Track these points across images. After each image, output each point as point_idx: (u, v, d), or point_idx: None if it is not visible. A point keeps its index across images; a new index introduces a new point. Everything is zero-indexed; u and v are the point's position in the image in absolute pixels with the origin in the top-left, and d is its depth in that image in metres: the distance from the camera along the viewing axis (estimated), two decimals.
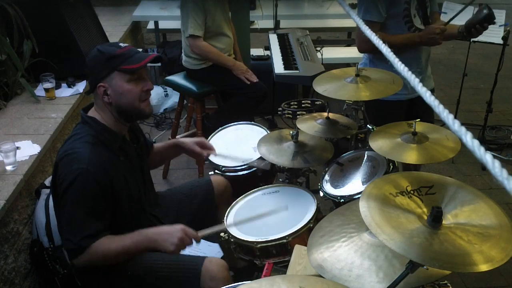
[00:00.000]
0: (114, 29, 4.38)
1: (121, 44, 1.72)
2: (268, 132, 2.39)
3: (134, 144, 1.87)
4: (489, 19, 2.19)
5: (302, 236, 1.76)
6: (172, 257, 1.82)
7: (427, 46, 2.38)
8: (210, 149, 2.11)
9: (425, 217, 1.19)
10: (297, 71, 3.09)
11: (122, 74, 1.67)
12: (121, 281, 1.75)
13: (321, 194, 2.00)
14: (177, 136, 3.39)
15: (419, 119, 1.84)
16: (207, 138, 2.51)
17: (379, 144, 1.80)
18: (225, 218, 1.93)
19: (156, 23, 4.84)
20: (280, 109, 2.59)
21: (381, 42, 0.97)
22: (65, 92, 2.89)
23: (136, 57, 1.69)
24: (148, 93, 1.75)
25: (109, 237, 1.66)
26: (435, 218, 1.15)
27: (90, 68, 1.71)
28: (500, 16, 3.58)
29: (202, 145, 2.10)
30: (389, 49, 0.95)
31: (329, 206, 2.04)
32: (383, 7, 2.26)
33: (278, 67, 3.16)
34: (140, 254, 1.73)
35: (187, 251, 1.89)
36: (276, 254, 1.77)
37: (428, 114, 2.37)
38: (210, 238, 2.02)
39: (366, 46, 2.36)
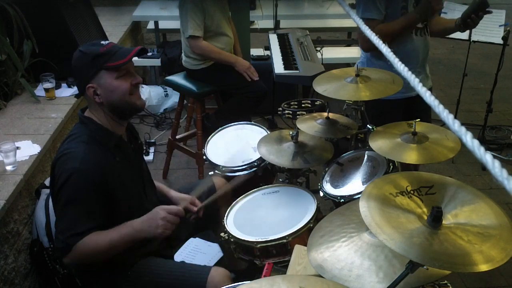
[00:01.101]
0: (114, 29, 4.38)
1: (103, 42, 1.70)
2: (268, 132, 2.39)
3: (132, 144, 1.87)
4: (482, 7, 2.18)
5: (302, 236, 1.76)
6: (177, 264, 1.81)
7: (428, 16, 2.34)
8: (198, 205, 1.99)
9: (425, 217, 1.19)
10: (297, 71, 3.09)
11: (109, 72, 1.66)
12: (121, 282, 1.75)
13: (321, 194, 1.99)
14: (177, 136, 3.39)
15: (419, 119, 1.85)
16: (207, 138, 2.51)
17: (379, 144, 1.80)
18: (225, 218, 1.93)
19: (156, 23, 4.84)
20: (280, 109, 2.59)
21: (380, 42, 0.97)
22: (65, 92, 2.90)
23: (120, 53, 1.68)
24: (137, 86, 1.74)
25: (95, 233, 1.64)
26: (435, 218, 1.15)
27: (76, 70, 1.70)
28: (500, 16, 3.58)
29: (192, 202, 2.00)
30: (388, 49, 0.95)
31: (329, 206, 2.04)
32: (381, 4, 2.26)
33: (278, 67, 3.16)
34: (131, 246, 1.69)
35: (187, 252, 1.90)
36: (276, 254, 1.77)
37: (426, 113, 2.37)
38: (209, 237, 2.02)
39: (369, 45, 2.36)
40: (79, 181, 1.60)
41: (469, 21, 2.21)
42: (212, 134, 2.53)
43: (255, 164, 2.24)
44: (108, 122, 1.73)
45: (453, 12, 3.63)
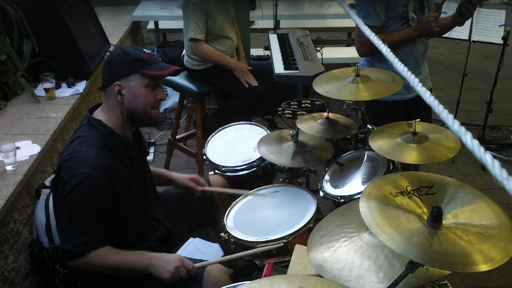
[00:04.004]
0: (114, 29, 4.38)
1: (145, 50, 1.74)
2: (268, 132, 2.39)
3: (137, 148, 1.87)
4: None
5: (302, 236, 1.76)
6: None
7: (425, 36, 2.36)
8: (203, 185, 2.09)
9: (425, 217, 1.19)
10: (297, 71, 3.09)
11: (142, 78, 1.68)
12: (121, 282, 1.75)
13: (321, 194, 1.99)
14: (177, 136, 3.39)
15: (419, 119, 1.84)
16: (206, 138, 2.51)
17: (379, 144, 1.80)
18: (225, 218, 1.93)
19: (156, 23, 4.84)
20: (280, 109, 2.59)
21: (380, 42, 0.97)
22: (65, 92, 2.89)
23: (160, 65, 1.73)
24: (159, 102, 1.77)
25: (109, 249, 1.66)
26: (435, 218, 1.16)
27: (111, 65, 1.71)
28: (500, 16, 3.58)
29: (196, 181, 2.08)
30: (388, 49, 0.95)
31: (329, 206, 2.04)
32: (382, 11, 2.26)
33: (278, 67, 3.16)
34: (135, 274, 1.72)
35: (186, 252, 1.89)
36: (276, 254, 1.77)
37: (426, 114, 2.37)
38: (209, 237, 2.02)
39: (366, 50, 2.36)
40: (89, 187, 1.60)
41: (464, 11, 2.20)
42: (212, 134, 2.53)
43: (255, 164, 2.24)
44: (119, 124, 1.73)
45: (453, 12, 3.62)
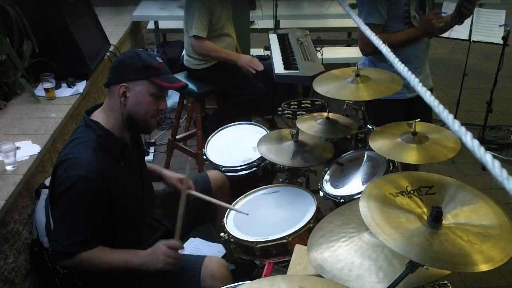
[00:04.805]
0: (114, 29, 4.38)
1: (157, 58, 1.76)
2: (268, 132, 2.40)
3: (135, 149, 1.87)
4: None
5: (302, 236, 1.76)
6: None
7: (428, 36, 2.36)
8: (191, 188, 2.02)
9: (425, 217, 1.19)
10: (297, 71, 3.09)
11: (150, 86, 1.69)
12: (121, 281, 1.75)
13: (321, 194, 2.00)
14: (177, 136, 3.39)
15: (419, 119, 1.84)
16: (206, 138, 2.51)
17: (379, 144, 1.80)
18: (224, 218, 1.93)
19: (156, 23, 4.84)
20: (280, 109, 2.59)
21: (381, 42, 0.97)
22: (65, 92, 2.89)
23: (170, 77, 1.75)
24: (160, 112, 1.78)
25: (100, 249, 1.67)
26: (435, 218, 1.16)
27: (122, 65, 1.71)
28: (500, 16, 3.58)
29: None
30: (388, 49, 0.95)
31: (329, 206, 2.04)
32: (384, 10, 2.26)
33: (278, 67, 3.16)
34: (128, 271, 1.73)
35: (187, 251, 1.90)
36: (276, 254, 1.77)
37: (427, 113, 2.37)
38: (210, 236, 2.02)
39: (369, 49, 2.36)
40: (83, 189, 1.60)
41: (463, 10, 2.20)
42: (212, 134, 2.53)
43: (255, 164, 2.24)
44: (118, 126, 1.72)
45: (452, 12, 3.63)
